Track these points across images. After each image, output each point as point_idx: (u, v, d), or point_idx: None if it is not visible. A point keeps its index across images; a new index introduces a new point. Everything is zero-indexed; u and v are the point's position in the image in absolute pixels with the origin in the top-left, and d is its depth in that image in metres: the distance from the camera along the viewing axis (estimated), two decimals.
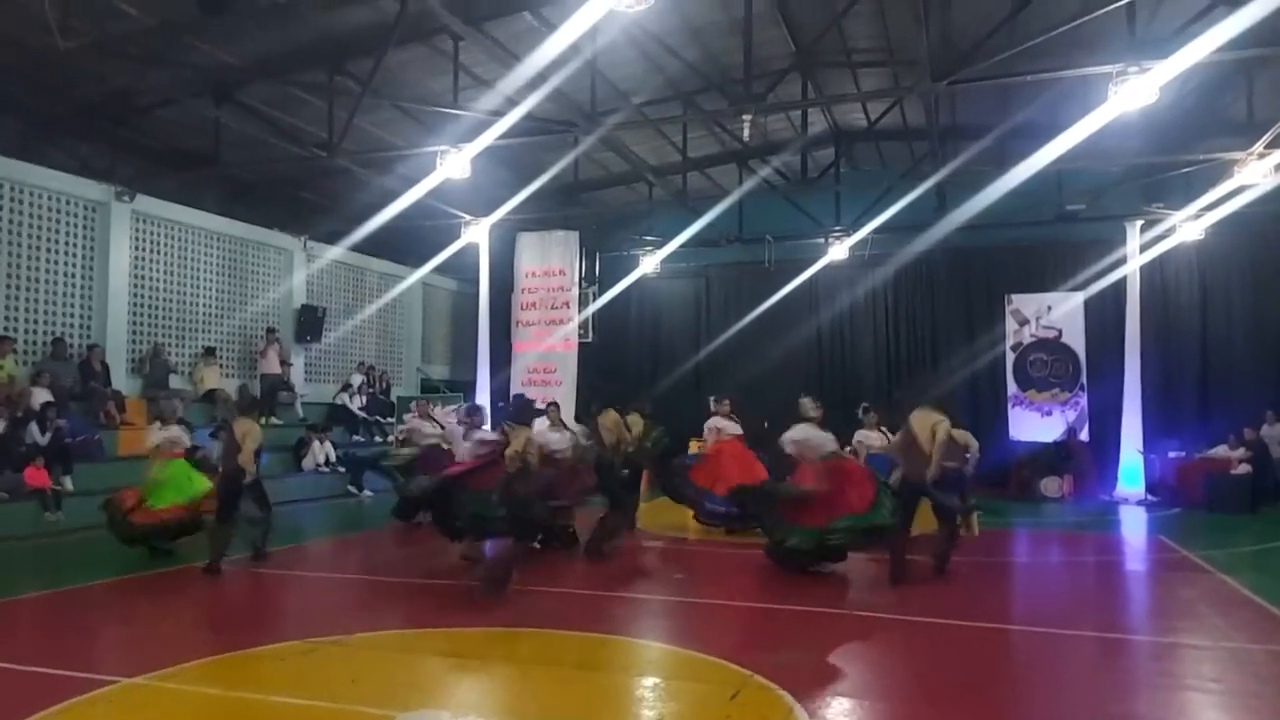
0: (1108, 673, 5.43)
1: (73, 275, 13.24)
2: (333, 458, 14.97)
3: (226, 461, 8.39)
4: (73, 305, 13.27)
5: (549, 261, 18.19)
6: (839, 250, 16.89)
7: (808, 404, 8.51)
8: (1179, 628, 6.59)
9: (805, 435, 8.35)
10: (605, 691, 4.93)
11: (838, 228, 16.83)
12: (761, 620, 6.72)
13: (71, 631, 6.20)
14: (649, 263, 18.62)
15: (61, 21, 9.32)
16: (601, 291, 19.10)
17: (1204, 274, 16.10)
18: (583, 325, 18.41)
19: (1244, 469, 13.60)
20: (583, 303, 18.44)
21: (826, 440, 8.41)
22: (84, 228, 13.38)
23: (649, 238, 18.64)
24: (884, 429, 10.99)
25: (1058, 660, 5.74)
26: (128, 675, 4.98)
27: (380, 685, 4.93)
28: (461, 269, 18.99)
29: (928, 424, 7.75)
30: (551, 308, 18.04)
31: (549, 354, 17.83)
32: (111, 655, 5.87)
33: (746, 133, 14.13)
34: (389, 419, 17.23)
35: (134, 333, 14.08)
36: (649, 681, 5.15)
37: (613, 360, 19.00)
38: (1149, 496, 14.65)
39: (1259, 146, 11.75)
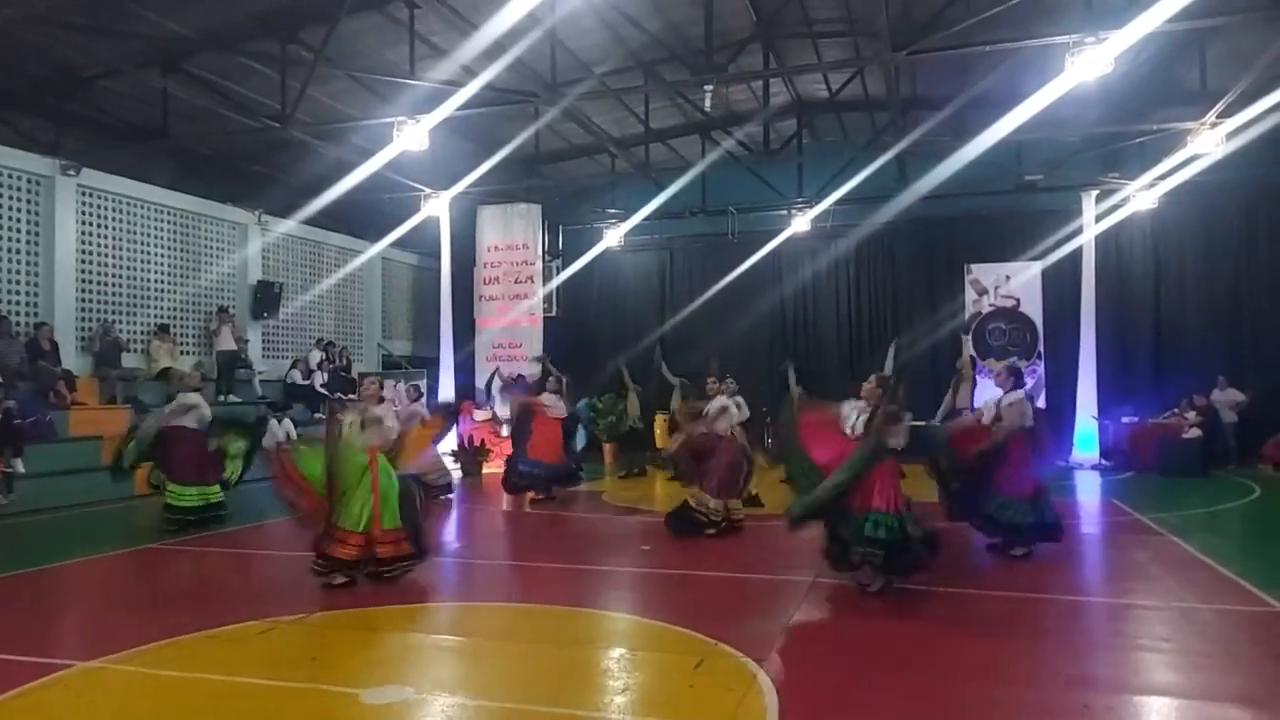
0: (1063, 634, 5.55)
1: (17, 251, 12.84)
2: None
3: None
4: (17, 282, 12.88)
5: (511, 235, 18.04)
6: (802, 222, 16.95)
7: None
8: (1132, 589, 6.75)
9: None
10: (570, 664, 4.94)
11: (800, 199, 16.86)
12: (726, 590, 6.77)
13: (25, 616, 6.06)
14: (613, 236, 18.52)
15: None
16: (565, 265, 19.02)
17: (1157, 243, 16.37)
18: (547, 299, 18.33)
19: (1195, 433, 13.95)
20: (546, 276, 18.35)
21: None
22: (28, 202, 12.96)
23: (612, 210, 18.53)
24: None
25: (1015, 623, 5.86)
26: (84, 659, 4.89)
27: (342, 663, 4.89)
28: (422, 243, 18.72)
29: None
30: (515, 282, 17.91)
31: (513, 329, 17.72)
32: (67, 639, 5.75)
33: (708, 103, 14.05)
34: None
35: (82, 310, 13.70)
36: (614, 653, 5.17)
37: (578, 334, 18.92)
38: (1103, 461, 14.99)
39: (1211, 116, 11.93)
